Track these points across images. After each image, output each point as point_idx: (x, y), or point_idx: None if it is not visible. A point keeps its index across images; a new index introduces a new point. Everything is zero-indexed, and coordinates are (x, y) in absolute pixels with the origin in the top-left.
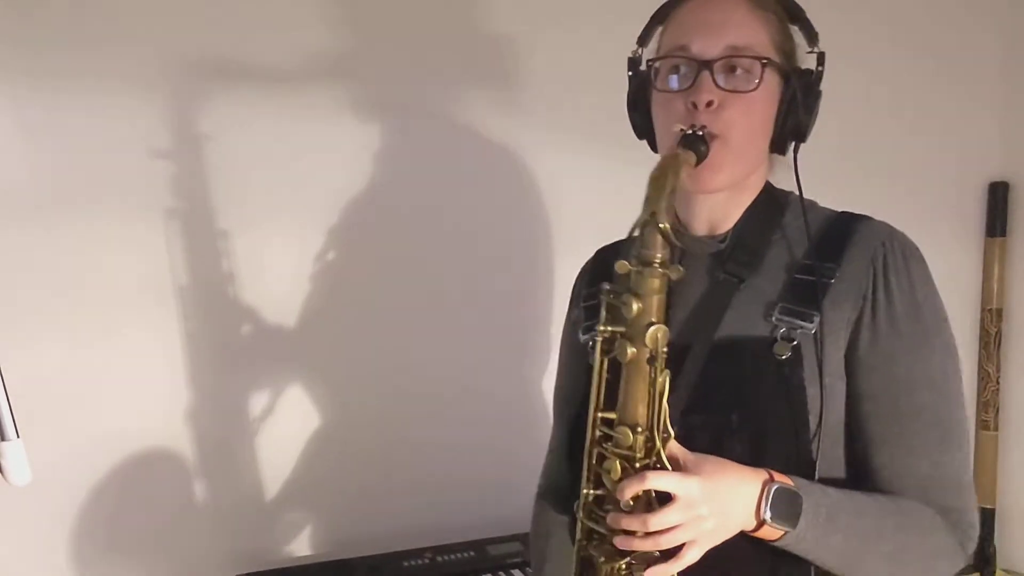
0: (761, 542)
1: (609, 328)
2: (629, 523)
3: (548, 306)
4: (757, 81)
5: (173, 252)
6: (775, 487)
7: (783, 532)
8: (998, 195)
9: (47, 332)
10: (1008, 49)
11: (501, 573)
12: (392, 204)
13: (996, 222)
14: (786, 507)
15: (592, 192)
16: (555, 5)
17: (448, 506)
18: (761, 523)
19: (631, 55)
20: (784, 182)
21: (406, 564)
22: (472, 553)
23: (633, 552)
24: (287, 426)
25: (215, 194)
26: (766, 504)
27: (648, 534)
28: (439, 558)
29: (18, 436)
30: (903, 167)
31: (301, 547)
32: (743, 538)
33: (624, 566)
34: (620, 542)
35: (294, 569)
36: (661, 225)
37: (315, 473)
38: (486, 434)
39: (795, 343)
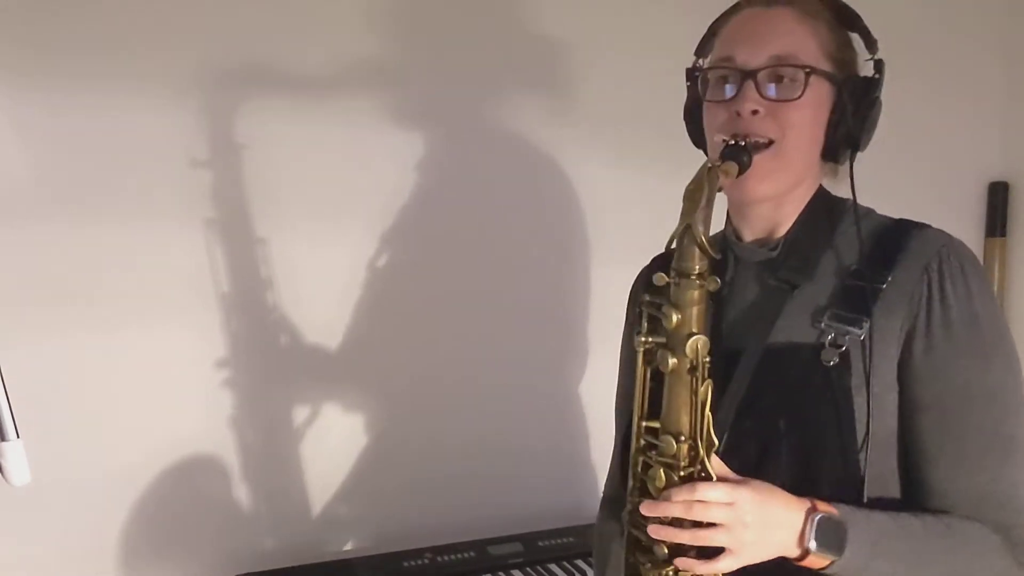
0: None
1: (650, 339)
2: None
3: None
4: (802, 90)
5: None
6: (819, 516)
7: (829, 561)
8: (998, 195)
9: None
10: (1008, 49)
11: (501, 573)
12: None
13: (996, 222)
14: (831, 536)
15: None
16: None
17: (449, 506)
18: (806, 552)
19: (690, 66)
20: (844, 190)
21: (406, 564)
22: (472, 553)
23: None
24: (286, 428)
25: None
26: (811, 534)
27: (689, 527)
28: (439, 558)
29: (18, 436)
30: (903, 167)
31: (301, 547)
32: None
33: (671, 573)
34: (654, 531)
35: (294, 569)
36: (697, 238)
37: (315, 474)
38: (487, 434)
39: (843, 349)
